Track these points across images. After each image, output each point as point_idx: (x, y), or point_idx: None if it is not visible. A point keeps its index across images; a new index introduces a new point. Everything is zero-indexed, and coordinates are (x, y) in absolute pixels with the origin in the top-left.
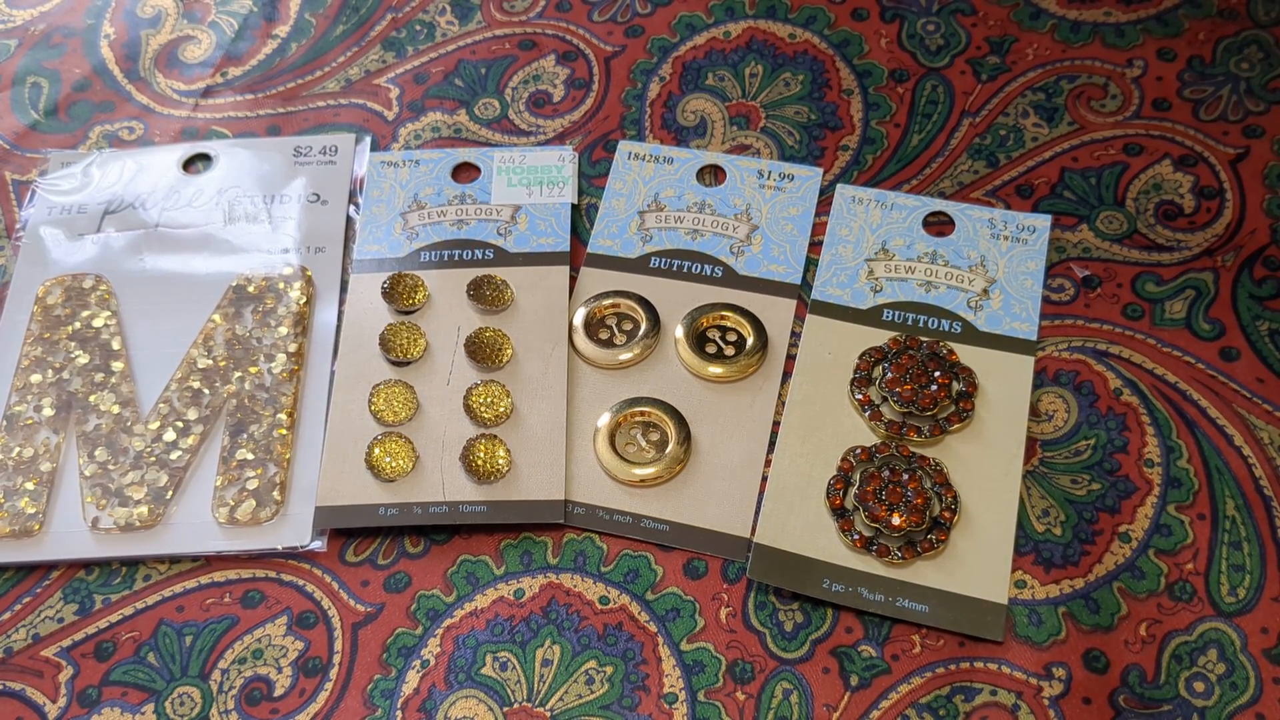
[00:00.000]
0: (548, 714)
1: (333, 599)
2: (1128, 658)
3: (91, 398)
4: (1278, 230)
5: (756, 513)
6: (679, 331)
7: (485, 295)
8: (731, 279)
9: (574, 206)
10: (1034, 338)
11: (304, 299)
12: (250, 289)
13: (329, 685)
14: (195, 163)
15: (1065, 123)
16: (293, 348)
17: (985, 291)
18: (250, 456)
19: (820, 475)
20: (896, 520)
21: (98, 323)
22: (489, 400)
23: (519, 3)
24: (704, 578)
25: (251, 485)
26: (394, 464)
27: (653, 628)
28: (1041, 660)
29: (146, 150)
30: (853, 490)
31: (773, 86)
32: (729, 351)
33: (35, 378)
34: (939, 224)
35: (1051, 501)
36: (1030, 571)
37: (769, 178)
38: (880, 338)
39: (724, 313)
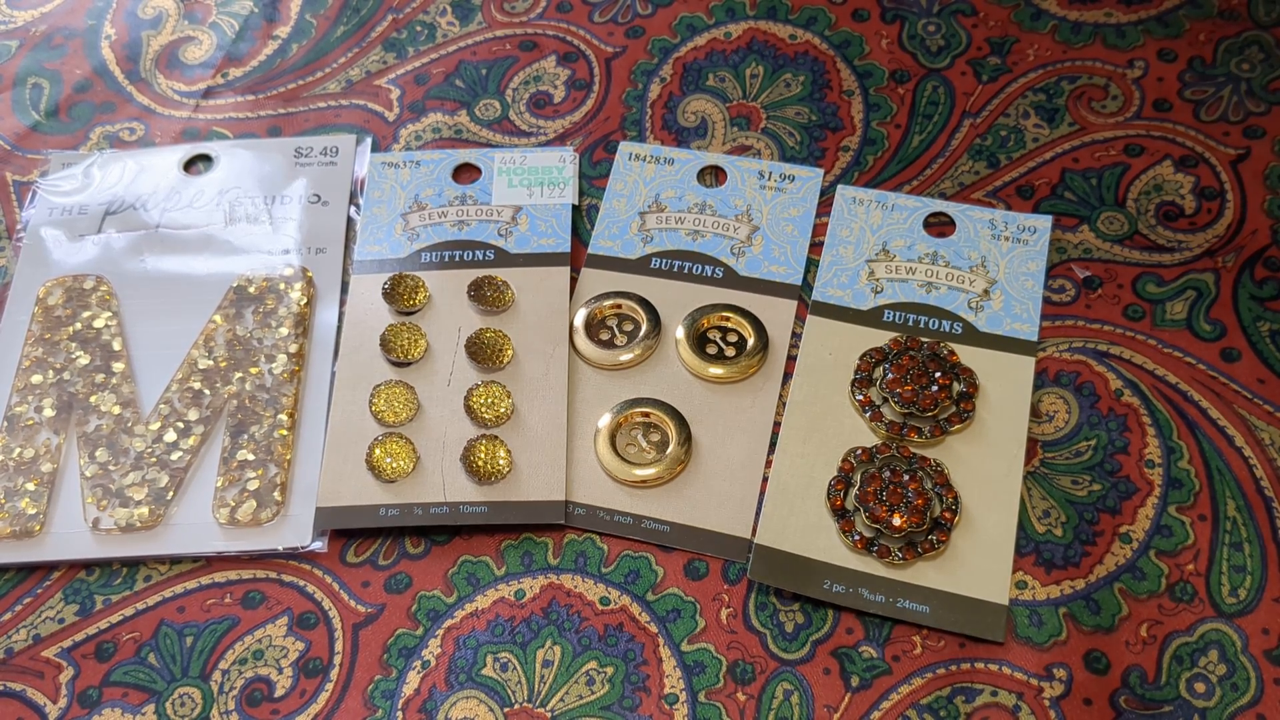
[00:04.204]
0: (548, 715)
1: (333, 600)
2: (1128, 658)
3: (92, 398)
4: (1278, 231)
5: (757, 513)
6: (680, 332)
7: (486, 296)
8: (732, 280)
9: (575, 207)
10: (1035, 338)
11: (305, 300)
12: (251, 290)
13: (329, 686)
14: (196, 164)
15: (1066, 123)
16: (293, 348)
17: (986, 292)
18: (251, 457)
19: (821, 476)
20: (897, 521)
21: (98, 323)
22: (490, 401)
23: (520, 3)
24: (705, 578)
25: (252, 486)
26: (395, 465)
27: (653, 628)
28: (1042, 661)
29: (147, 151)
30: (853, 491)
31: (773, 87)
32: (730, 352)
33: (36, 378)
34: (940, 225)
35: (1052, 502)
36: (1031, 572)
37: (770, 178)
38: (881, 338)
39: (725, 313)
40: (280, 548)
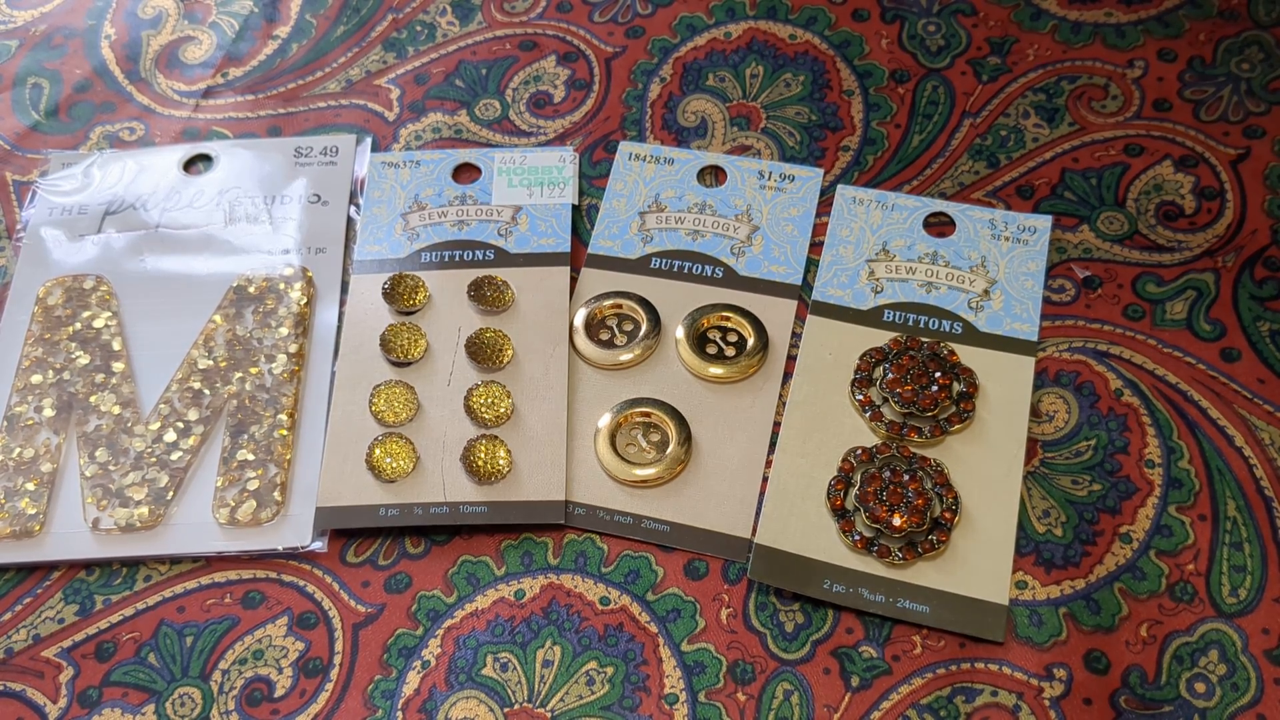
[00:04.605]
0: (548, 715)
1: (333, 600)
2: (1129, 658)
3: (92, 398)
4: (1278, 231)
5: (757, 513)
6: (680, 332)
7: (486, 296)
8: (732, 280)
9: (575, 207)
10: (1035, 338)
11: (305, 300)
12: (251, 290)
13: (329, 686)
14: (196, 163)
15: (1066, 123)
16: (293, 348)
17: (986, 292)
18: (251, 457)
19: (821, 476)
20: (897, 521)
21: (98, 323)
22: (489, 401)
23: (519, 3)
24: (705, 578)
25: (252, 486)
26: (394, 465)
27: (653, 628)
28: (1042, 661)
29: (147, 151)
30: (853, 491)
31: (773, 87)
32: (730, 352)
33: (36, 378)
34: (939, 225)
35: (1052, 502)
36: (1031, 572)
37: (769, 178)
38: (881, 338)
39: (725, 313)
40: (280, 548)
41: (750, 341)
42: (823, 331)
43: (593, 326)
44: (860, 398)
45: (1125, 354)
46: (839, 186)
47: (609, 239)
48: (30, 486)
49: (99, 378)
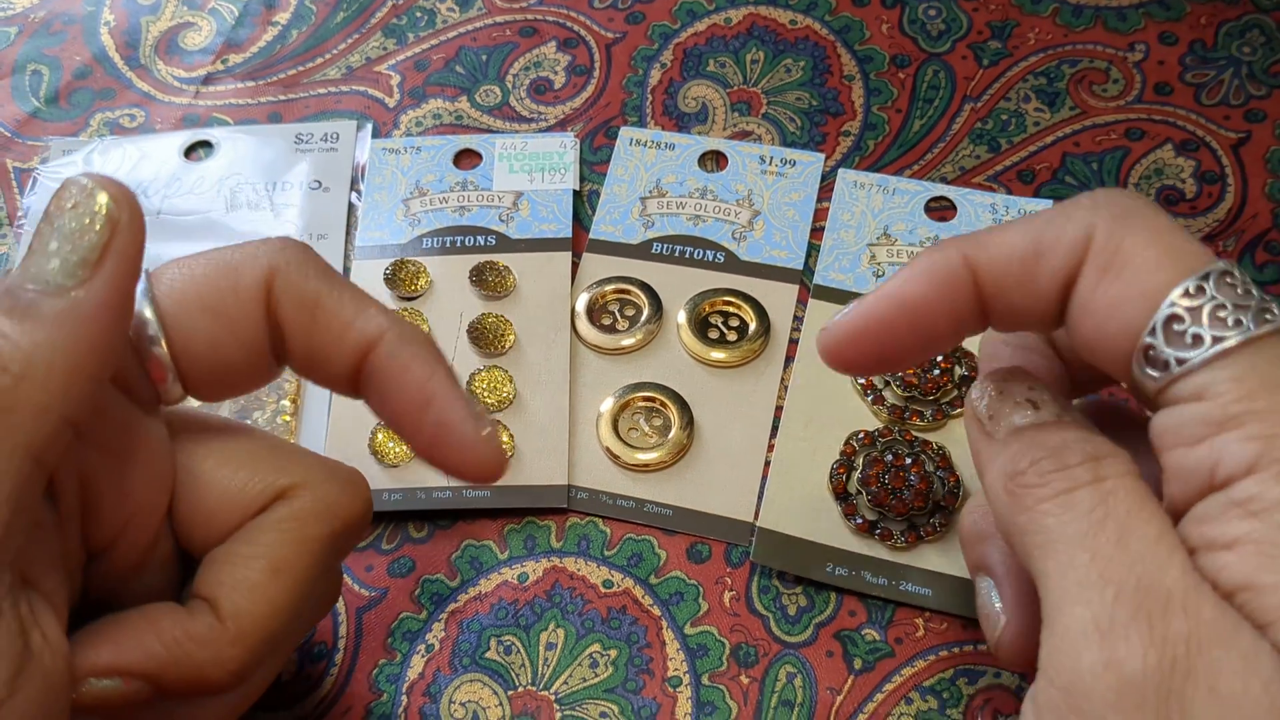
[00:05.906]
0: (552, 697)
1: None
2: None
3: None
4: (1279, 215)
5: (760, 497)
6: (681, 317)
7: (487, 281)
8: (733, 264)
9: (576, 193)
10: None
11: None
12: None
13: (334, 671)
14: (197, 150)
15: (1067, 107)
16: None
17: None
18: None
19: (823, 460)
20: (899, 504)
21: None
22: (492, 386)
23: None
24: (707, 562)
25: None
26: (398, 449)
27: (656, 611)
28: None
29: (148, 137)
30: (855, 474)
31: (774, 73)
32: (731, 336)
33: None
34: (941, 209)
35: None
36: None
37: (771, 163)
38: None
39: (726, 298)
40: None
41: (752, 326)
42: (824, 315)
43: (594, 311)
44: (862, 381)
45: None
46: (840, 170)
47: (610, 224)
48: None
49: None
